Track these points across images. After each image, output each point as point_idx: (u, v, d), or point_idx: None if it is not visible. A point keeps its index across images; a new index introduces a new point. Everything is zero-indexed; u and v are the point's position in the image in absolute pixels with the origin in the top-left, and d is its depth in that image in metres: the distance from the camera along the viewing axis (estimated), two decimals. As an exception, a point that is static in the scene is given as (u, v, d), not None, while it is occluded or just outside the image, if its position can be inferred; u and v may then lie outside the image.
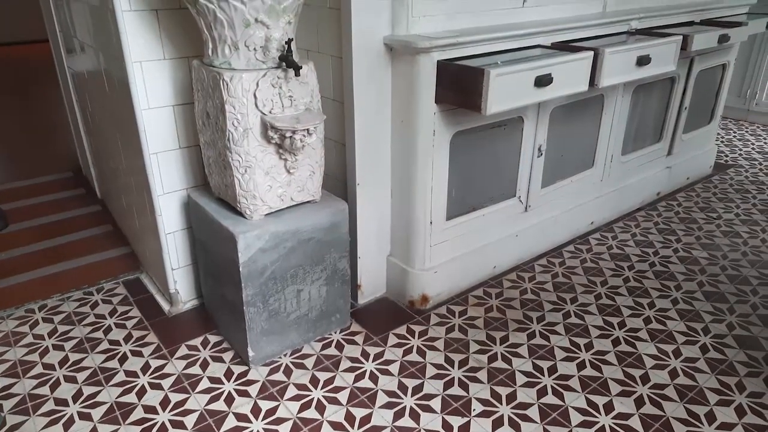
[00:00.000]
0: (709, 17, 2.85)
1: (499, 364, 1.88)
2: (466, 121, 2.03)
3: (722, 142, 3.95)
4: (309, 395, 1.76)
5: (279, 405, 1.72)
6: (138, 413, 1.69)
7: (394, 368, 1.87)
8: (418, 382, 1.81)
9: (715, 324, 2.08)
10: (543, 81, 1.86)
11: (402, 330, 2.06)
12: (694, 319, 2.11)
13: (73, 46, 2.62)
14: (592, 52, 2.00)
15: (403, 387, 1.79)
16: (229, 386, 1.80)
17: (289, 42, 1.53)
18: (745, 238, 2.67)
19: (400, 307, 2.20)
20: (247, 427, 1.64)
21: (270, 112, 1.60)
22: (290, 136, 1.63)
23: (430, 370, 1.86)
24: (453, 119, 1.99)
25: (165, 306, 2.21)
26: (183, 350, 1.96)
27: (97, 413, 1.69)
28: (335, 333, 2.04)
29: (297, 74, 1.56)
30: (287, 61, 1.54)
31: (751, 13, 3.14)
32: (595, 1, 2.42)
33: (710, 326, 2.07)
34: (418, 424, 1.65)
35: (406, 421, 1.66)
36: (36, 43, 6.70)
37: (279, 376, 1.84)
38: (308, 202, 1.88)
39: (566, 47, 2.12)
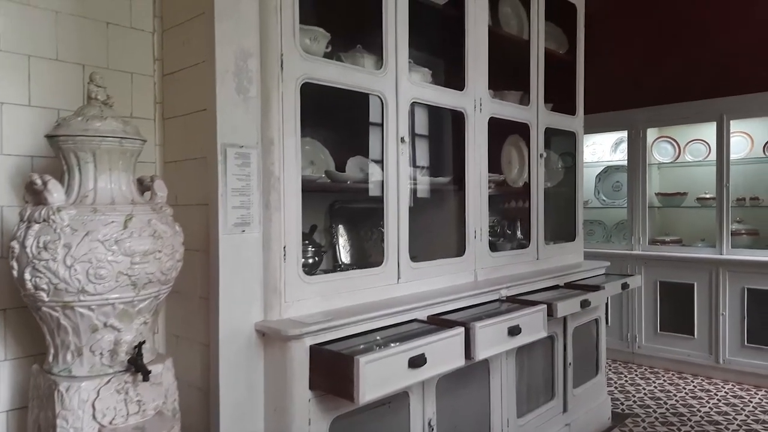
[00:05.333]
0: (572, 280, 3.15)
1: None
2: (344, 405, 1.92)
3: (615, 388, 4.05)
4: None
5: None
6: None
7: None
8: None
9: None
10: (417, 362, 1.86)
11: None
12: None
13: None
14: (463, 328, 2.06)
15: None
16: None
17: (139, 345, 1.45)
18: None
19: None
20: None
21: (110, 423, 1.42)
22: (135, 448, 1.43)
23: None
24: (330, 404, 1.88)
25: None
26: None
27: None
28: None
29: (145, 379, 1.44)
30: (136, 366, 1.43)
31: (609, 274, 3.54)
32: (466, 272, 2.62)
33: None
34: None
35: None
36: None
37: None
38: None
39: (441, 321, 2.19)
